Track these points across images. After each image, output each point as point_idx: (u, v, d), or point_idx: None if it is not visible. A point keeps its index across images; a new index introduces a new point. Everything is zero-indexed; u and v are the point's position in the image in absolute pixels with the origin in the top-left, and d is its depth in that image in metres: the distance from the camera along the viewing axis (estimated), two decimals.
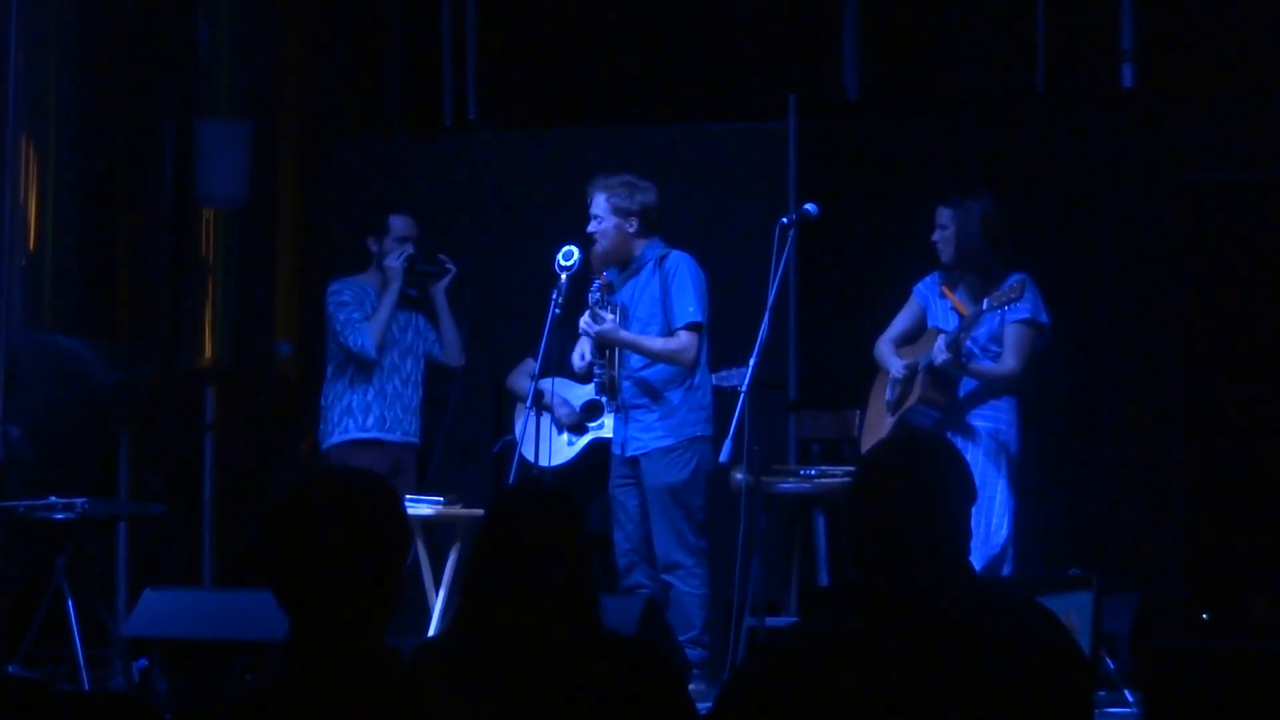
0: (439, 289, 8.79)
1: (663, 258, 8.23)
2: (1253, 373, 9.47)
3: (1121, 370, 9.65)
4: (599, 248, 8.24)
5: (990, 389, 8.01)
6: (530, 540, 3.93)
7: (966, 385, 8.04)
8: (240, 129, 9.82)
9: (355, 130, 10.78)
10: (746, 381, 7.59)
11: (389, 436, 8.73)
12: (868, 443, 8.32)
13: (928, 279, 8.26)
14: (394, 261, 8.72)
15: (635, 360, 8.21)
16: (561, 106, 10.85)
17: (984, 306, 7.80)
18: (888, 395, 8.26)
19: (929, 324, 8.22)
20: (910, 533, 3.54)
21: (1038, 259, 8.31)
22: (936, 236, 8.13)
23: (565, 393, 8.90)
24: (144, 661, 7.90)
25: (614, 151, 9.63)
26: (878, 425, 8.26)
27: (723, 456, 7.56)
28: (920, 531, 3.54)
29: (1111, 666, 7.69)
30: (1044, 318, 7.99)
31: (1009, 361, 7.98)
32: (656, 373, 8.19)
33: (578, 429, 8.89)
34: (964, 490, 3.62)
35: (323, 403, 8.81)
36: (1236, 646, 6.87)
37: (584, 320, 8.21)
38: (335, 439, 8.73)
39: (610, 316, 8.18)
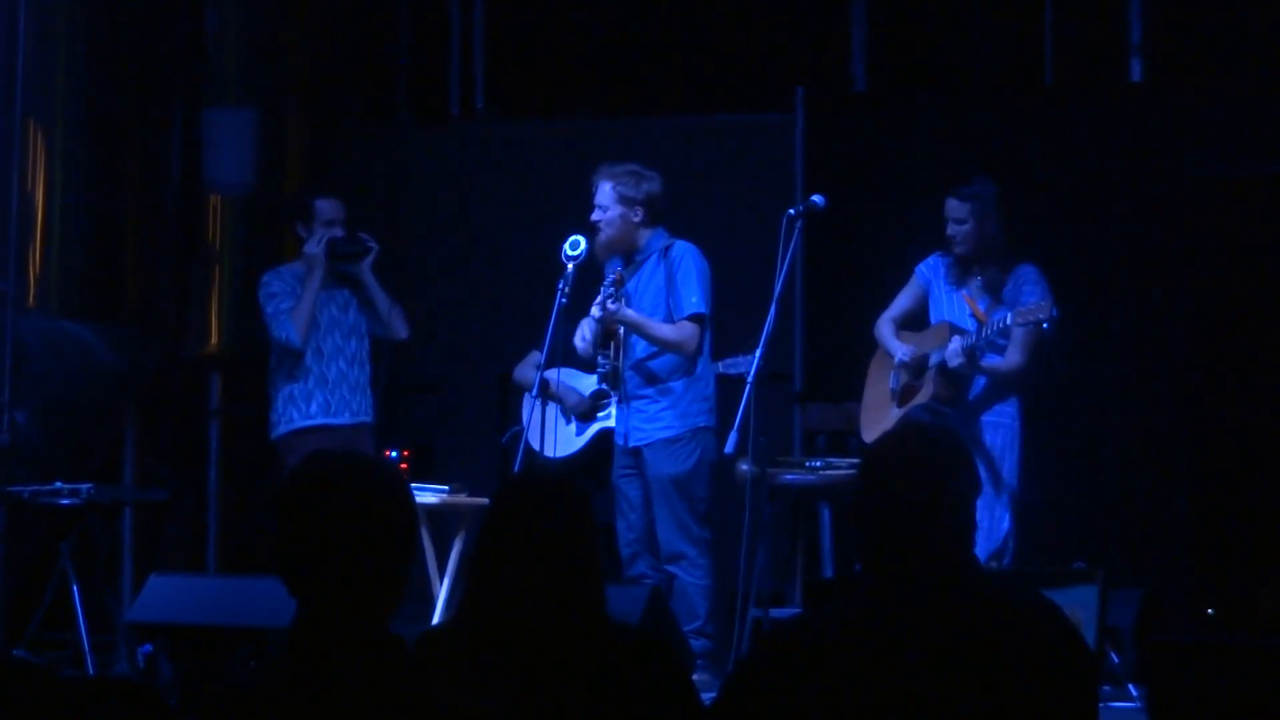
0: (364, 267, 8.76)
1: (667, 248, 8.22)
2: (1260, 368, 9.46)
3: (1128, 364, 9.64)
4: (603, 236, 8.23)
5: (998, 387, 8.01)
6: (535, 529, 3.93)
7: (975, 384, 8.04)
8: (247, 117, 9.81)
9: (362, 119, 10.77)
10: (753, 372, 7.59)
11: (335, 421, 8.71)
12: (868, 429, 8.30)
13: (931, 259, 8.24)
14: (313, 248, 8.69)
15: (639, 350, 8.20)
16: (569, 97, 10.85)
17: (1009, 321, 7.79)
18: (891, 383, 8.24)
19: (932, 307, 8.21)
20: (916, 524, 3.54)
21: (1045, 253, 8.31)
22: (952, 231, 8.10)
23: (571, 382, 8.90)
24: (149, 647, 7.90)
25: (621, 142, 9.63)
26: (881, 413, 8.24)
27: (728, 448, 7.54)
28: (926, 523, 3.54)
29: (1116, 661, 7.68)
30: (1054, 311, 7.97)
31: (1014, 356, 7.97)
32: (660, 363, 8.18)
33: (588, 416, 8.89)
34: (969, 482, 3.62)
35: (270, 393, 8.82)
36: (1241, 641, 6.87)
37: (594, 308, 8.21)
38: (281, 430, 8.72)
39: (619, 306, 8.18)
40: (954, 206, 8.09)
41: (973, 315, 8.03)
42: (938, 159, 9.58)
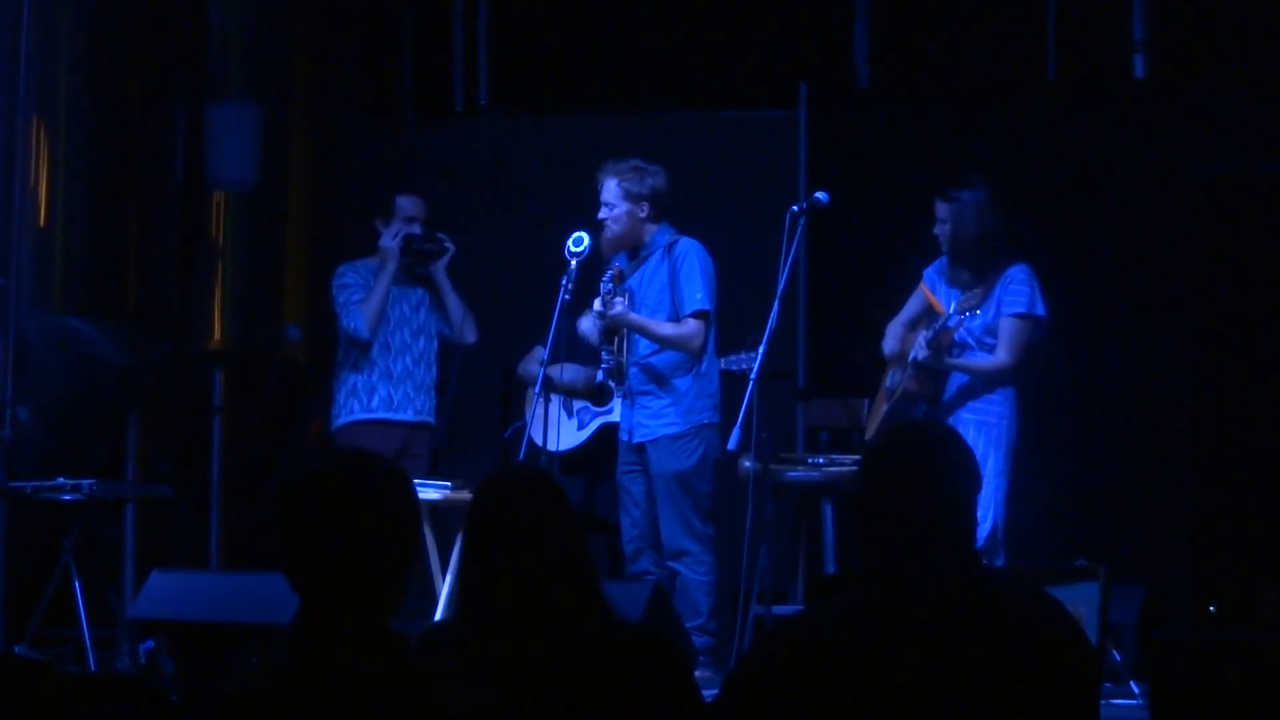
0: (438, 268, 8.79)
1: (672, 244, 8.22)
2: (1261, 366, 9.45)
3: (1129, 361, 9.64)
4: (610, 234, 8.23)
5: (982, 382, 8.01)
6: (513, 522, 3.94)
7: (958, 379, 8.04)
8: (251, 112, 9.82)
9: (366, 115, 10.78)
10: (756, 369, 7.59)
11: (397, 416, 8.73)
12: (870, 427, 8.37)
13: (936, 263, 8.26)
14: (389, 242, 8.72)
15: (643, 347, 8.21)
16: (572, 93, 10.86)
17: (949, 311, 7.82)
18: (888, 382, 8.28)
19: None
20: (917, 520, 3.54)
21: (1046, 249, 8.30)
22: (937, 230, 8.14)
23: (576, 376, 8.90)
24: (150, 643, 7.91)
25: (624, 138, 9.63)
26: (877, 411, 8.33)
27: (731, 444, 7.55)
28: (927, 519, 3.54)
29: (1118, 658, 7.68)
30: (1040, 310, 7.96)
31: (1001, 355, 7.97)
32: (664, 359, 8.18)
33: (596, 396, 8.89)
34: (969, 477, 3.63)
35: (333, 386, 8.85)
36: (1243, 638, 6.87)
37: (596, 304, 8.21)
38: (341, 420, 8.77)
39: (621, 302, 8.18)
40: (937, 207, 8.13)
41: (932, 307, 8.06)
42: (941, 155, 9.59)
